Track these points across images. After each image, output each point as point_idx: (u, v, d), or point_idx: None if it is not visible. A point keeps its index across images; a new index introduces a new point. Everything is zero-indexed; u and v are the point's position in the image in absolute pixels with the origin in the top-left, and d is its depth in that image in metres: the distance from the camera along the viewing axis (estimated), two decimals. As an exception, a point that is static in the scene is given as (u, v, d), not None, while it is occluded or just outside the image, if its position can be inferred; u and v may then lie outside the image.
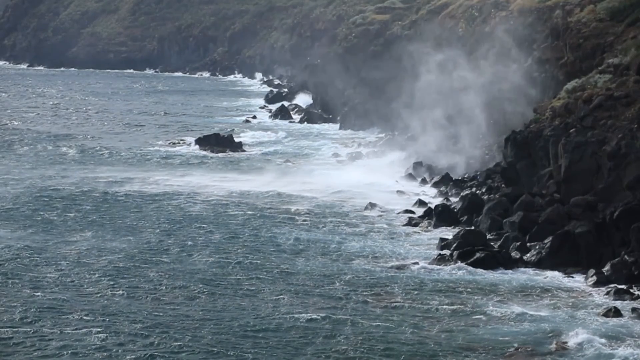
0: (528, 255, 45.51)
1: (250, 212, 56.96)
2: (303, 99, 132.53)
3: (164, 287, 40.26)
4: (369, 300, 39.20)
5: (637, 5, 60.13)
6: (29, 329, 34.62)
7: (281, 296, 39.40)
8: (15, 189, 62.72)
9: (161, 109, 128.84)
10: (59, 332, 34.35)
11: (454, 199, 59.18)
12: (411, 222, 54.43)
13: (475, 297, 39.59)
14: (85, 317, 35.86)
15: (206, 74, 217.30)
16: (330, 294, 39.99)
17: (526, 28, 69.67)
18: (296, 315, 36.82)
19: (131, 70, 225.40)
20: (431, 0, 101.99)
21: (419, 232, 52.08)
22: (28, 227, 51.43)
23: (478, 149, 70.16)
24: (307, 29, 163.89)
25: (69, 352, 32.56)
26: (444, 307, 38.30)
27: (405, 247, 48.69)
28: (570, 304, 38.76)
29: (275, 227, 53.09)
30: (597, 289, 40.79)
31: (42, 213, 55.38)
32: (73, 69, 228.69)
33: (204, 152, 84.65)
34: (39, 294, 38.78)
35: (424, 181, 67.03)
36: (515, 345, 33.92)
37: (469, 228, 50.22)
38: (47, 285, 40.23)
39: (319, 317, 36.61)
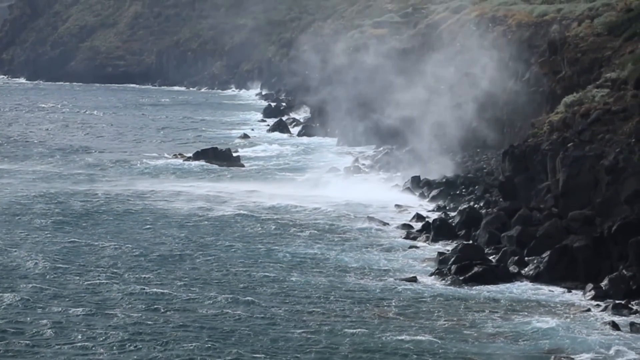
0: (526, 269, 45.43)
1: (248, 225, 56.90)
2: (301, 113, 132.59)
3: (159, 299, 40.15)
4: (366, 314, 39.14)
5: (635, 20, 60.26)
6: (45, 340, 34.72)
7: (278, 309, 39.34)
8: (26, 202, 62.78)
9: (160, 124, 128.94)
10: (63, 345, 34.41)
11: (452, 213, 59.13)
12: (409, 236, 54.40)
13: (473, 312, 39.53)
14: (85, 330, 35.89)
15: (204, 88, 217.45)
16: (326, 307, 39.91)
17: (524, 42, 69.77)
18: (293, 328, 36.77)
19: (133, 85, 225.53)
20: (429, 15, 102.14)
21: (416, 246, 52.02)
22: (41, 240, 51.36)
23: (476, 162, 70.23)
24: (304, 42, 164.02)
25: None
26: (442, 322, 38.24)
27: (403, 261, 48.64)
28: (568, 318, 38.68)
29: (273, 240, 53.04)
30: (596, 303, 40.73)
31: (56, 225, 55.46)
32: (75, 83, 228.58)
33: (201, 166, 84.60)
34: (51, 307, 38.81)
35: (422, 195, 67.00)
36: (513, 360, 33.95)
37: (467, 242, 50.20)
38: (63, 295, 40.23)
39: (315, 330, 36.57)
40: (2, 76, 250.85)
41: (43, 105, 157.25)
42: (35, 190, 67.97)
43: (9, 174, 77.63)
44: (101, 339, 35.04)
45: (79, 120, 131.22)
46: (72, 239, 51.92)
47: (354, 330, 36.67)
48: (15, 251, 48.35)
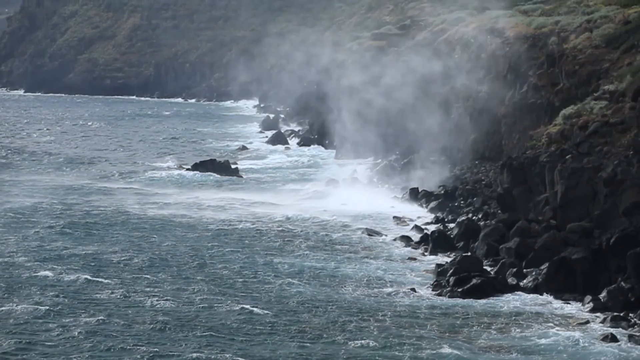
0: (524, 281, 45.44)
1: (246, 236, 56.96)
2: (299, 125, 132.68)
3: (158, 309, 40.17)
4: (363, 324, 39.11)
5: (633, 32, 60.37)
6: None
7: (276, 319, 39.36)
8: (35, 213, 63.10)
9: (159, 136, 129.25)
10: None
11: (450, 225, 59.15)
12: (407, 248, 54.39)
13: (471, 324, 39.49)
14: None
15: (203, 100, 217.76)
16: (325, 317, 39.91)
17: (522, 54, 69.85)
18: (291, 338, 36.80)
19: (132, 97, 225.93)
20: (427, 27, 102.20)
21: (415, 258, 52.03)
22: (52, 251, 51.43)
23: (474, 174, 70.24)
24: (303, 55, 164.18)
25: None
26: (439, 333, 38.21)
27: (402, 272, 48.63)
28: (566, 330, 38.65)
29: (272, 250, 53.06)
30: (594, 315, 40.71)
31: (64, 236, 55.57)
32: (75, 95, 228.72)
33: (200, 178, 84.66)
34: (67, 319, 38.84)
35: (420, 207, 67.02)
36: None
37: (465, 254, 50.19)
38: (75, 306, 40.26)
39: (314, 340, 36.61)
40: (1, 88, 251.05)
41: (45, 118, 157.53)
42: (45, 202, 68.26)
43: (15, 185, 77.76)
44: (98, 344, 35.14)
45: (81, 132, 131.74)
46: (78, 250, 52.04)
47: (352, 341, 36.69)
48: (28, 262, 48.60)
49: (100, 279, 45.52)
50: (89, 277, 45.77)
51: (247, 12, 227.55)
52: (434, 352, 35.80)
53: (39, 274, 46.20)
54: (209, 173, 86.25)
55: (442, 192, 67.94)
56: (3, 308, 40.16)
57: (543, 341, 37.10)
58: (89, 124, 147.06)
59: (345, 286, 45.51)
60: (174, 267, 48.54)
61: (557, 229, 48.73)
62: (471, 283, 44.44)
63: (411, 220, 62.66)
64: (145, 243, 54.57)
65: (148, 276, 46.49)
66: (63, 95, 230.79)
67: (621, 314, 40.07)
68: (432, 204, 66.15)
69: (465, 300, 43.21)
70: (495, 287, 44.63)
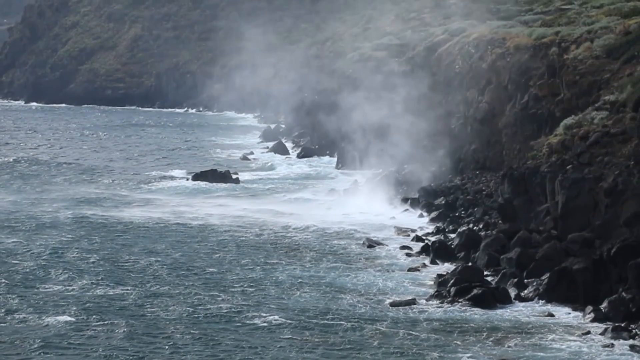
0: (525, 291, 45.41)
1: (245, 245, 56.95)
2: (300, 136, 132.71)
3: (157, 316, 40.17)
4: (363, 335, 39.06)
5: (633, 43, 60.44)
6: None
7: (276, 330, 39.35)
8: (47, 224, 63.17)
9: (161, 146, 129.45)
10: None
11: (451, 235, 59.12)
12: (408, 258, 54.35)
13: (472, 335, 39.43)
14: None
15: (204, 110, 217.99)
16: (324, 328, 39.88)
17: (523, 65, 69.91)
18: (291, 347, 36.79)
19: (134, 107, 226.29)
20: (428, 37, 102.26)
21: (416, 269, 51.96)
22: (68, 261, 51.42)
23: (475, 184, 70.23)
24: (304, 65, 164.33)
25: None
26: (440, 344, 38.13)
27: (402, 283, 48.58)
28: (567, 341, 38.61)
29: (270, 261, 53.02)
30: (595, 326, 40.65)
31: (79, 246, 55.63)
32: (77, 105, 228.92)
33: (200, 188, 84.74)
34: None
35: (421, 217, 67.01)
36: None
37: (466, 264, 50.14)
38: (100, 318, 40.31)
39: (314, 351, 36.57)
40: (2, 100, 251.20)
41: (47, 128, 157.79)
42: (50, 211, 68.20)
43: (21, 195, 77.84)
44: (100, 354, 35.17)
45: (83, 143, 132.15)
46: (79, 259, 52.09)
47: (351, 351, 36.64)
48: (37, 272, 48.73)
49: (101, 288, 45.53)
50: (90, 286, 45.80)
51: (248, 23, 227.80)
52: (435, 362, 35.80)
53: (47, 284, 46.24)
54: (210, 183, 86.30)
55: (443, 202, 67.91)
56: (17, 319, 40.17)
57: (544, 352, 37.04)
58: (91, 134, 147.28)
59: (345, 296, 45.46)
60: (173, 276, 48.54)
61: (558, 239, 48.69)
62: (472, 293, 44.38)
63: (412, 230, 62.64)
64: (145, 253, 54.54)
65: (148, 286, 46.52)
66: (64, 105, 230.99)
67: (622, 325, 40.00)
68: (433, 215, 66.12)
69: (466, 310, 43.17)
70: (496, 297, 44.57)
